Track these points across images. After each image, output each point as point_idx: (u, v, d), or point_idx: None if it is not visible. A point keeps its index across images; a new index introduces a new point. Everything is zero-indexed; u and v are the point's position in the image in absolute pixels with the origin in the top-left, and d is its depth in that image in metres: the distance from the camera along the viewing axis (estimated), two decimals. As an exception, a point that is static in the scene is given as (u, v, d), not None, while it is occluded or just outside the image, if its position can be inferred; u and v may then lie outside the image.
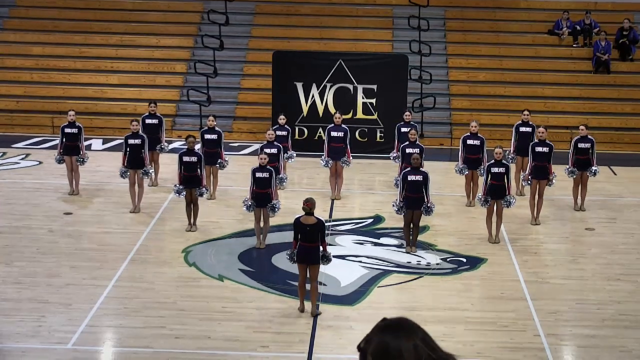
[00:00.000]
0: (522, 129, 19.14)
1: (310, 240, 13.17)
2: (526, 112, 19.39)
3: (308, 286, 13.31)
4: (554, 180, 17.67)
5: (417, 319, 12.82)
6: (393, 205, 16.10)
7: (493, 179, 16.38)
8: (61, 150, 18.68)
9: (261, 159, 15.93)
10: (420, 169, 16.05)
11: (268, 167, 15.92)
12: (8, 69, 26.14)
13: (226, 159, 18.72)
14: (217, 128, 18.85)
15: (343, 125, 19.22)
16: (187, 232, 16.65)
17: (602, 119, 24.59)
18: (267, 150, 17.06)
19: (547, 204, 18.08)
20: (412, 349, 3.80)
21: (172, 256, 15.57)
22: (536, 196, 17.58)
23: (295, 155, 19.45)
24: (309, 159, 21.09)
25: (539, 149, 17.63)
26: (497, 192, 16.37)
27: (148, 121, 19.29)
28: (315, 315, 13.28)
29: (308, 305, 13.39)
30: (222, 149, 18.70)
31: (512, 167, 18.03)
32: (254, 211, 15.90)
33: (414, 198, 15.78)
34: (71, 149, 18.61)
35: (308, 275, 13.28)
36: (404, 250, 16.04)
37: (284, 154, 18.33)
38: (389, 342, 3.84)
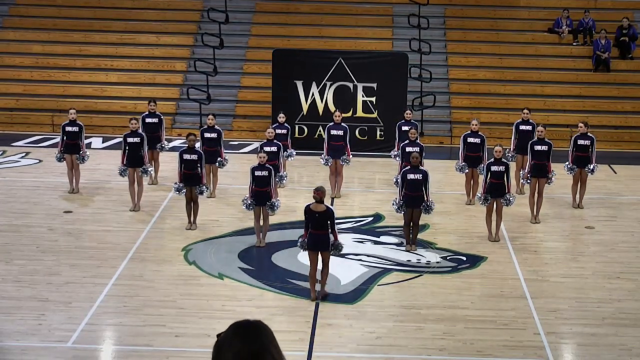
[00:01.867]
0: (522, 127, 19.15)
1: (320, 227, 13.61)
2: (526, 111, 19.41)
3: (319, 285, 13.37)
4: (553, 179, 17.67)
5: (417, 317, 12.72)
6: (393, 204, 16.10)
7: (493, 177, 16.38)
8: (62, 149, 18.69)
9: (260, 157, 15.94)
10: (420, 167, 16.05)
11: (267, 165, 15.93)
12: (8, 67, 26.13)
13: (226, 158, 18.72)
14: (216, 127, 18.85)
15: (343, 124, 19.22)
16: (187, 230, 16.66)
17: (602, 117, 24.58)
18: (267, 149, 17.08)
19: (547, 202, 18.09)
20: (236, 352, 3.92)
21: (172, 254, 15.57)
22: (536, 194, 17.59)
23: (295, 153, 19.45)
24: (309, 157, 21.09)
25: (538, 147, 17.63)
26: (496, 191, 16.38)
27: (148, 120, 19.28)
28: (324, 296, 13.58)
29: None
30: (222, 147, 18.70)
31: (512, 166, 18.04)
32: (254, 210, 15.91)
33: (414, 196, 15.79)
34: (72, 147, 18.61)
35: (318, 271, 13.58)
36: (404, 248, 16.05)
37: (283, 152, 18.35)
38: (225, 341, 3.99)
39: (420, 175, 15.82)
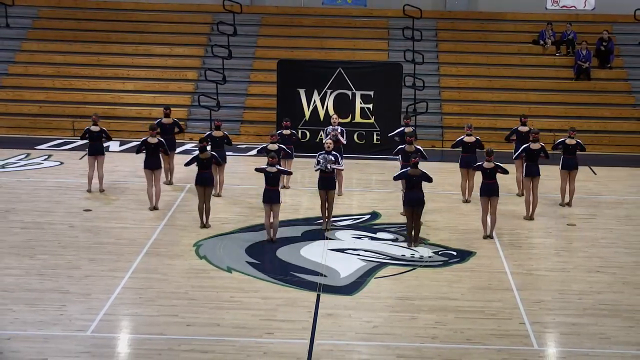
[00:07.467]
0: (522, 130, 19.18)
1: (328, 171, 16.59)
2: (524, 118, 19.49)
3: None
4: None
5: (411, 308, 12.69)
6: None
7: (485, 177, 16.37)
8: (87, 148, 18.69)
9: (270, 158, 16.07)
10: (418, 167, 16.03)
11: (275, 165, 16.03)
12: (32, 76, 26.14)
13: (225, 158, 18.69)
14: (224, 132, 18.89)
15: (339, 127, 19.40)
16: (200, 228, 16.62)
17: (582, 122, 24.52)
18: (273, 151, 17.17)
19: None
20: None
21: (184, 249, 15.56)
22: (531, 194, 17.56)
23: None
24: (311, 159, 21.02)
25: (531, 149, 17.66)
26: (489, 190, 16.34)
27: (165, 125, 19.27)
28: (329, 229, 16.12)
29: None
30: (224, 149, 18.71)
31: (511, 168, 18.02)
32: (264, 208, 15.91)
33: (413, 194, 15.77)
34: (95, 149, 18.62)
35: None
36: (399, 244, 16.03)
37: (287, 154, 18.43)
38: None
39: (420, 174, 15.86)
